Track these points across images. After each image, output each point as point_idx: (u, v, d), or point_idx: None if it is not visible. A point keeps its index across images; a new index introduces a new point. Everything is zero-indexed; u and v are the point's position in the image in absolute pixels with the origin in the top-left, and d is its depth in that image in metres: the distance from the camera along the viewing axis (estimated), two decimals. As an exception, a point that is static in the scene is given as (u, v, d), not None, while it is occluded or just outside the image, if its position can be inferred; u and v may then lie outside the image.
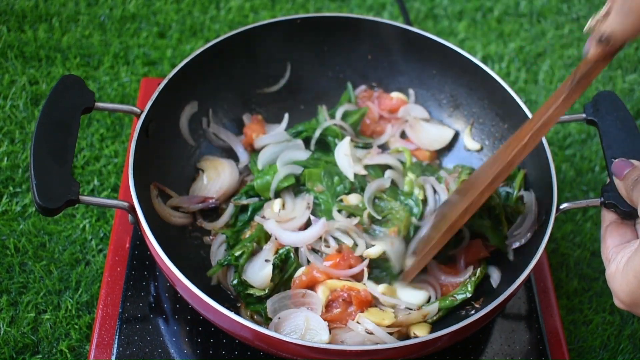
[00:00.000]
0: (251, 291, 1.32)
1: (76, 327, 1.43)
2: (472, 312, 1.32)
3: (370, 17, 1.56)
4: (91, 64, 1.89)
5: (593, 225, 1.70)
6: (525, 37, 2.10)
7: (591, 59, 1.06)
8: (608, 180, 1.19)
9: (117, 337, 1.31)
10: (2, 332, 1.41)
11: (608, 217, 1.17)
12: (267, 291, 1.31)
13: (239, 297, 1.34)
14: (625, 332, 1.54)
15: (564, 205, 1.26)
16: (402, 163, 1.51)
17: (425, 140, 1.57)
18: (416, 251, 1.33)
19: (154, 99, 1.34)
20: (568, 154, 1.84)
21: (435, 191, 1.45)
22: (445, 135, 1.57)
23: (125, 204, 1.21)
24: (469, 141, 1.57)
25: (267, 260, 1.33)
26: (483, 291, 1.36)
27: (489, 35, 2.09)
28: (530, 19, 2.16)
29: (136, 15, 2.02)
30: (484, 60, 2.02)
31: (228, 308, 1.13)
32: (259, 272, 1.32)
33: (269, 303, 1.28)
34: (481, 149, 1.55)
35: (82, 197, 1.16)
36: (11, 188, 1.62)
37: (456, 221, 1.24)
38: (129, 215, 1.23)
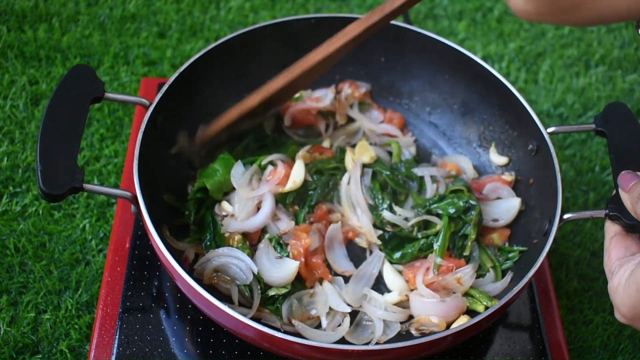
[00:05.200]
0: (273, 292, 1.31)
1: (76, 327, 1.43)
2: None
3: None
4: (91, 64, 1.89)
5: (593, 225, 1.70)
6: (525, 37, 2.11)
7: None
8: (614, 191, 1.19)
9: (117, 337, 1.31)
10: (2, 332, 1.41)
11: (612, 228, 1.16)
12: (289, 287, 1.31)
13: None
14: (625, 332, 1.54)
15: (567, 216, 1.26)
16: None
17: (494, 215, 1.46)
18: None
19: (164, 91, 1.35)
20: (568, 154, 1.84)
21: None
22: (513, 207, 1.46)
23: (128, 193, 1.22)
24: (495, 157, 1.55)
25: (280, 257, 1.33)
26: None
27: (489, 35, 2.09)
28: (530, 19, 2.16)
29: (136, 15, 2.02)
30: (484, 60, 2.02)
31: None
32: (278, 271, 1.31)
33: (285, 308, 1.29)
34: (508, 162, 1.53)
35: (85, 185, 1.18)
36: (11, 188, 1.62)
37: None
38: (132, 205, 1.24)
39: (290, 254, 1.33)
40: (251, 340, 1.19)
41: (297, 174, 1.41)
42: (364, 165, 1.49)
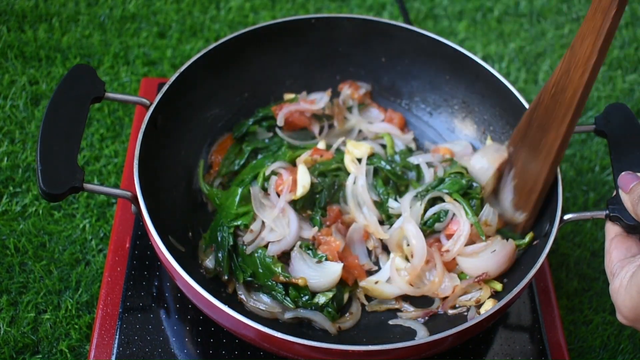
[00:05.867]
0: (317, 299, 1.31)
1: (76, 327, 1.43)
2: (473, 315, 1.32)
3: (385, 20, 1.56)
4: (91, 64, 1.89)
5: (593, 225, 1.70)
6: (525, 37, 2.11)
7: None
8: (614, 192, 1.19)
9: (117, 337, 1.31)
10: (2, 332, 1.41)
11: (613, 229, 1.16)
12: (334, 290, 1.31)
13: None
14: (625, 332, 1.54)
15: (568, 216, 1.26)
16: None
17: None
18: (518, 203, 1.35)
19: (164, 91, 1.35)
20: (568, 154, 1.84)
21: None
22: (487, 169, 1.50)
23: (129, 193, 1.23)
24: None
25: (319, 261, 1.33)
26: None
27: (489, 35, 2.09)
28: (530, 19, 2.16)
29: (136, 15, 2.02)
30: (484, 60, 2.02)
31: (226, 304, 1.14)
32: (323, 276, 1.31)
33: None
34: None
35: (86, 185, 1.18)
36: (11, 188, 1.62)
37: (565, 135, 1.21)
38: (132, 205, 1.24)
39: (328, 257, 1.34)
40: (251, 340, 1.19)
41: (304, 179, 1.41)
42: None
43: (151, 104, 1.33)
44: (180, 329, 1.34)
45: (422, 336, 1.29)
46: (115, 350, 1.30)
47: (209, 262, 1.36)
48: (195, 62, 1.42)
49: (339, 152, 1.52)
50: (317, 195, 1.44)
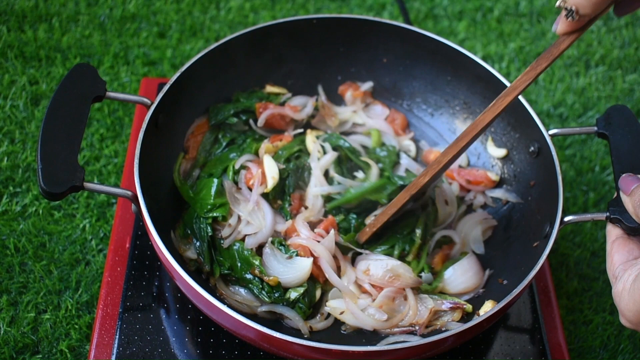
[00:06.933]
0: (288, 294, 1.30)
1: (76, 327, 1.43)
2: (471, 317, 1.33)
3: (387, 20, 1.55)
4: (91, 64, 1.89)
5: (593, 225, 1.71)
6: (525, 37, 2.11)
7: (560, 33, 1.11)
8: (615, 194, 1.19)
9: (117, 337, 1.31)
10: (2, 332, 1.41)
11: (614, 232, 1.16)
12: (306, 285, 1.31)
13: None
14: (625, 332, 1.54)
15: (568, 218, 1.26)
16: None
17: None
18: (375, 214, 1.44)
19: (166, 90, 1.35)
20: (568, 154, 1.84)
21: None
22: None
23: (129, 192, 1.22)
24: (492, 149, 1.55)
25: (290, 257, 1.32)
26: (485, 295, 1.36)
27: (489, 35, 2.09)
28: (530, 19, 2.16)
29: (136, 15, 2.02)
30: (484, 60, 2.02)
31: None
32: (293, 271, 1.31)
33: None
34: (507, 154, 1.52)
35: (86, 184, 1.18)
36: (11, 188, 1.62)
37: (414, 183, 1.33)
38: (132, 204, 1.24)
39: (299, 253, 1.33)
40: (251, 341, 1.19)
41: (272, 170, 1.41)
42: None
43: (152, 103, 1.33)
44: (180, 329, 1.34)
45: (414, 339, 1.29)
46: (115, 350, 1.30)
47: (191, 253, 1.35)
48: (196, 62, 1.42)
49: (300, 135, 1.52)
50: (286, 182, 1.43)
